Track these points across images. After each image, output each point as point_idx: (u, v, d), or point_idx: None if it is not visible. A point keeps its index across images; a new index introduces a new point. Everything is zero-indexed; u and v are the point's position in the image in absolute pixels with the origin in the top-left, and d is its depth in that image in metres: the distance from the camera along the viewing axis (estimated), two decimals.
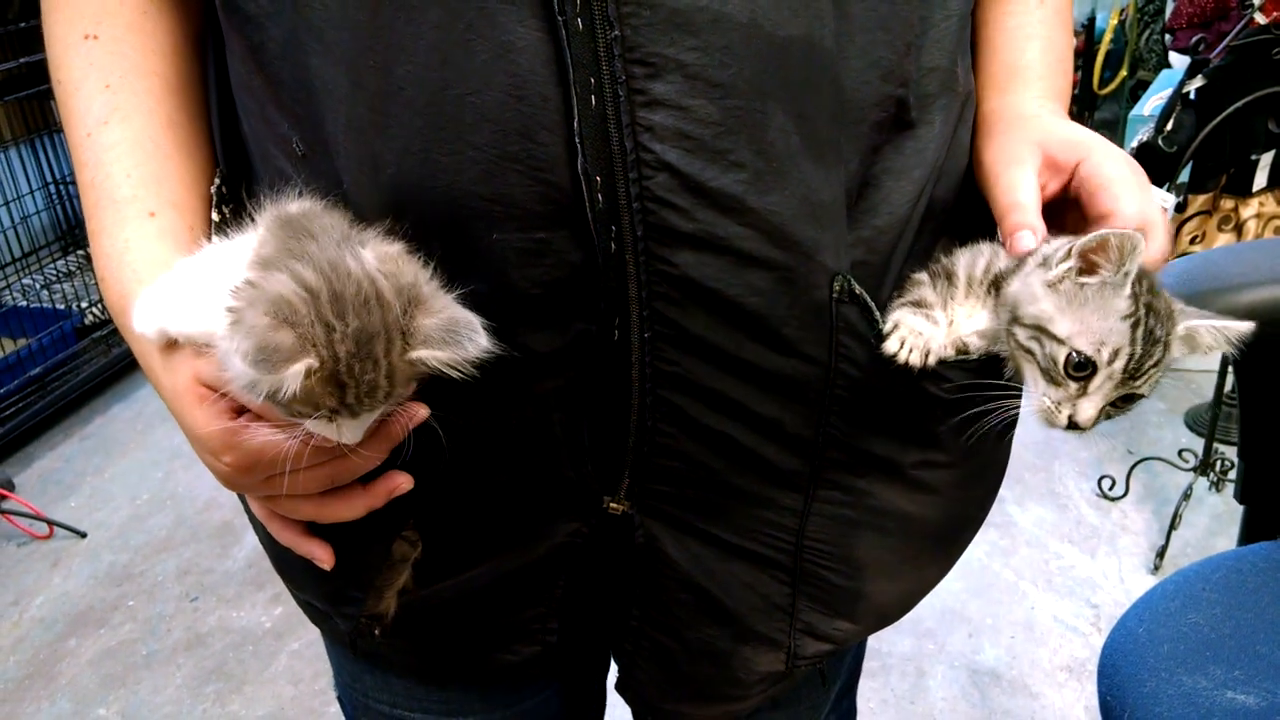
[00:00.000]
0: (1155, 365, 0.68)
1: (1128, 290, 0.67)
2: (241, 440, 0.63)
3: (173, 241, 0.70)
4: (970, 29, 0.78)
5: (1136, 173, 0.72)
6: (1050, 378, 0.69)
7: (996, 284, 0.73)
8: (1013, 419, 0.83)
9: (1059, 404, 0.69)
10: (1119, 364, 0.68)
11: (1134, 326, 0.67)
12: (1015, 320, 0.71)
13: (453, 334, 0.59)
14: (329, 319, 0.57)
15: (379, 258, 0.60)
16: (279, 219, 0.61)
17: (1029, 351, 0.70)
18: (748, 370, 0.71)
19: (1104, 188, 0.71)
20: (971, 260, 0.75)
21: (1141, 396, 0.70)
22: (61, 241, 3.86)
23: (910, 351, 0.71)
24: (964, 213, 0.78)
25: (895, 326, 0.72)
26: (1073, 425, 0.69)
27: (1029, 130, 0.75)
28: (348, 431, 0.61)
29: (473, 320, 0.60)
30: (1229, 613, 1.10)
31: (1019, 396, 0.81)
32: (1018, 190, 0.73)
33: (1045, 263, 0.70)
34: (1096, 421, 0.70)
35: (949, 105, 0.74)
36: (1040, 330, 0.69)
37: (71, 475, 3.08)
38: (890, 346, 0.71)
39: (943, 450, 0.80)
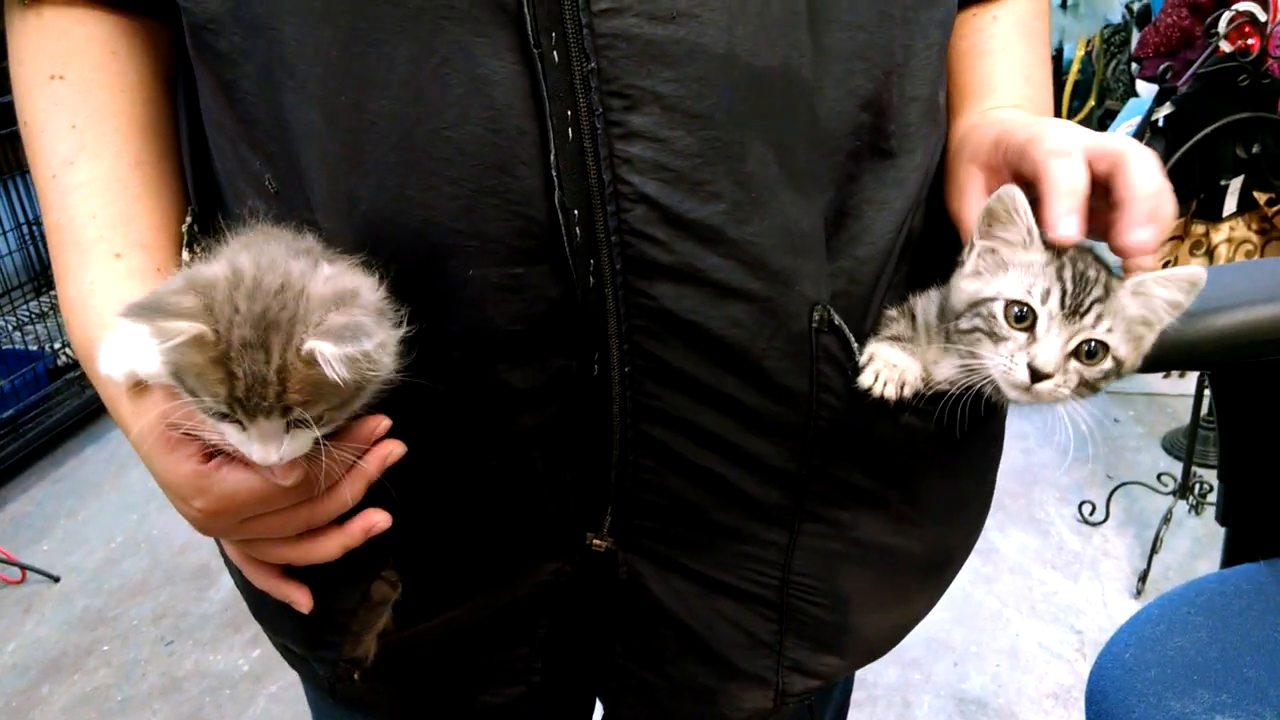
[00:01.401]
0: (1099, 302, 0.66)
1: (1037, 243, 0.67)
2: (212, 484, 0.62)
3: (140, 283, 0.69)
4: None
5: (1066, 127, 0.68)
6: (998, 337, 0.68)
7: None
8: (995, 451, 0.82)
9: (1013, 356, 0.67)
10: (1054, 302, 0.66)
11: (1059, 270, 0.66)
12: (957, 322, 0.70)
13: (351, 330, 0.56)
14: (239, 302, 0.55)
15: (336, 273, 0.59)
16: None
17: (975, 331, 0.69)
18: (729, 403, 0.70)
19: (1028, 144, 0.67)
20: (925, 306, 0.74)
21: (1106, 349, 0.66)
22: (34, 283, 3.83)
23: (885, 385, 0.71)
24: (934, 243, 0.78)
25: (870, 359, 0.71)
26: (1036, 375, 0.66)
27: (966, 151, 0.75)
28: (259, 444, 0.58)
29: (373, 327, 0.57)
30: (1215, 636, 1.09)
31: (1001, 428, 0.81)
32: (967, 224, 0.73)
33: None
34: (1068, 380, 0.66)
35: (929, 135, 0.74)
36: (974, 304, 0.69)
37: (44, 518, 3.03)
38: (865, 380, 0.71)
39: (925, 482, 0.80)
